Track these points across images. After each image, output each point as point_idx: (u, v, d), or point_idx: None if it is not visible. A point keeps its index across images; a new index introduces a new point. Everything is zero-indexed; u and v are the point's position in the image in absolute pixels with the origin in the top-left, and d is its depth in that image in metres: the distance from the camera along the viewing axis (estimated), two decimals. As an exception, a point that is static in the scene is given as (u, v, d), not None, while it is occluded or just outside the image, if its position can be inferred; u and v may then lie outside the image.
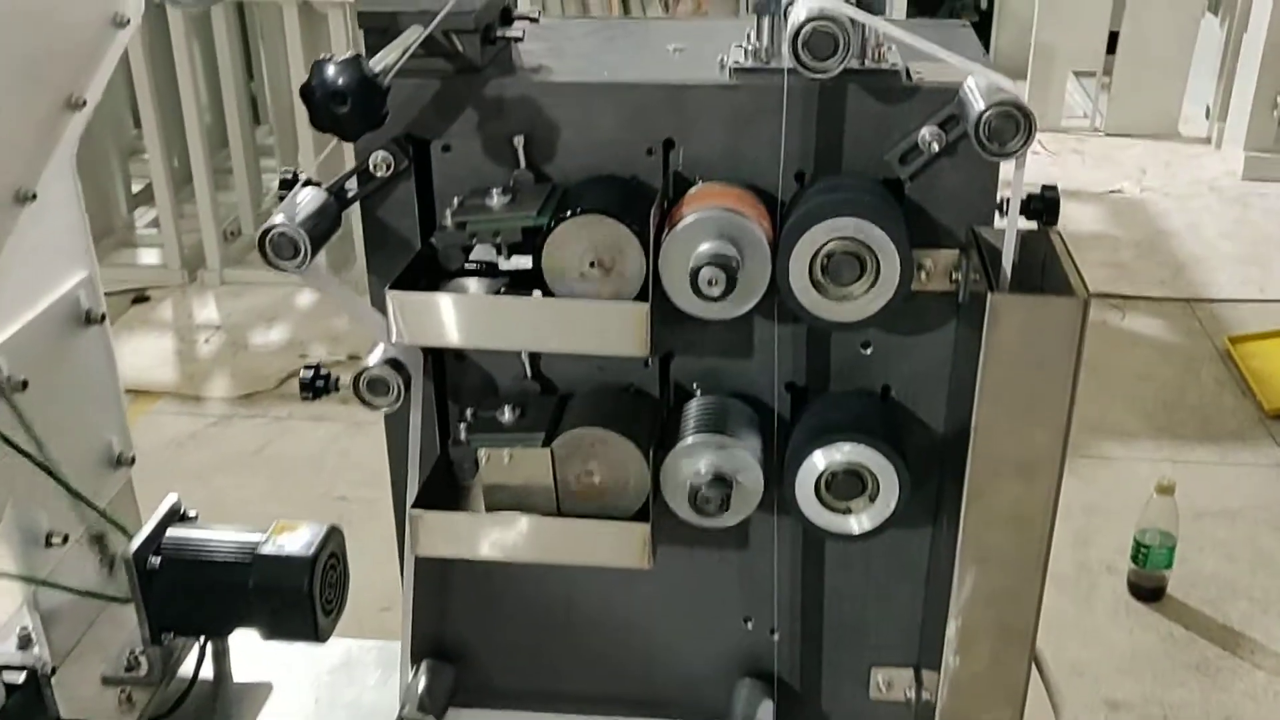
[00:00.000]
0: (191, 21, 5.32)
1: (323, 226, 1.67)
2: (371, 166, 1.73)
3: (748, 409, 1.81)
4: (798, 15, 1.50)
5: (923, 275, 1.72)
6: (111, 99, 5.60)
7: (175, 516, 2.27)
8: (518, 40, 1.80)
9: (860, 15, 1.53)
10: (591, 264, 1.61)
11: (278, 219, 1.61)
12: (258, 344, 5.29)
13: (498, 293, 1.65)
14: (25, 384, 2.16)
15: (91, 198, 5.61)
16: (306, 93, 1.45)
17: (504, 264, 1.67)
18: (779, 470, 1.77)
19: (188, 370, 5.12)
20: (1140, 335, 5.35)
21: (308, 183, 1.72)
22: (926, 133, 1.63)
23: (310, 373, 1.84)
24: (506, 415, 1.77)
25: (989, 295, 1.50)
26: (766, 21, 1.68)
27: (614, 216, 1.59)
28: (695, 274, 1.56)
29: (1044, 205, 1.69)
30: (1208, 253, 6.11)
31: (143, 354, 5.23)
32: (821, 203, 1.59)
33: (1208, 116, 7.47)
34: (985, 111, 1.48)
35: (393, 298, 1.62)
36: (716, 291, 1.56)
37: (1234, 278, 5.85)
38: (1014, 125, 1.48)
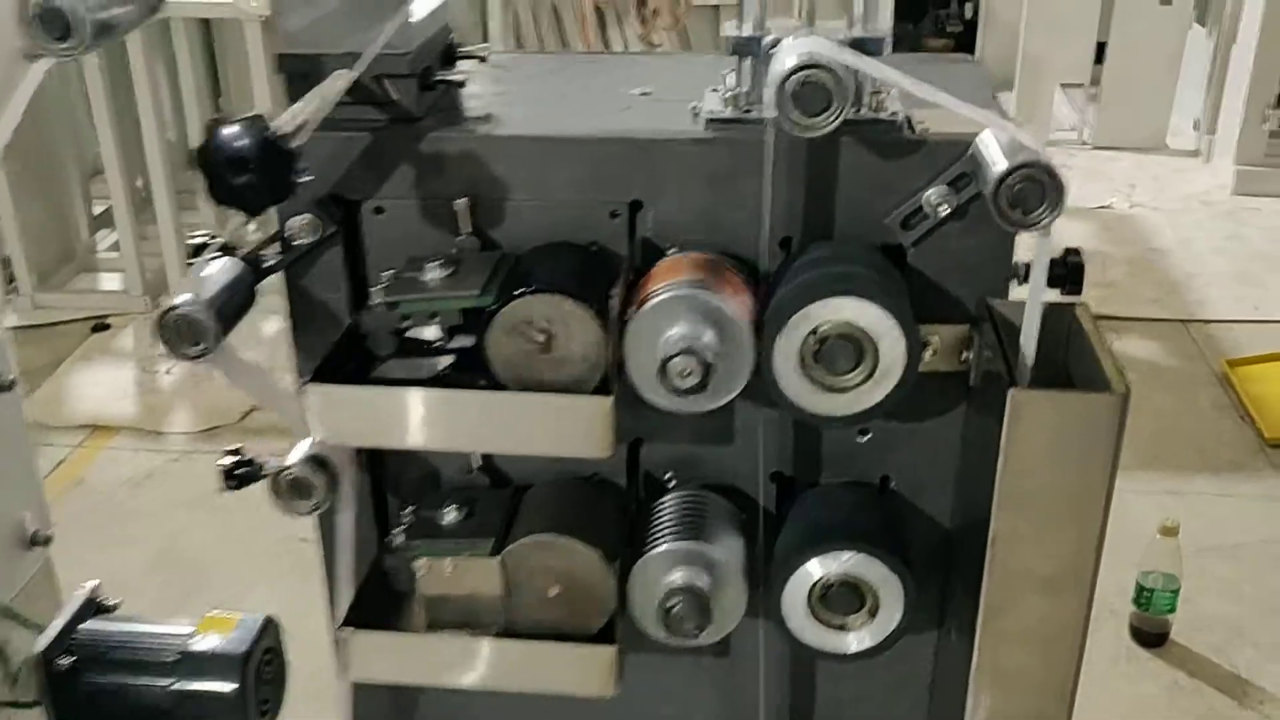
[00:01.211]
0: (152, 38, 5.07)
1: (234, 304, 1.43)
2: (291, 233, 1.49)
3: (728, 505, 1.58)
4: (784, 62, 1.27)
5: (928, 353, 1.49)
6: (72, 115, 5.33)
7: (92, 609, 2.03)
8: (460, 85, 1.56)
9: (857, 60, 1.30)
10: (545, 349, 1.38)
11: (180, 298, 1.37)
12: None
13: (440, 375, 1.42)
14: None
15: (51, 219, 5.41)
16: (202, 158, 1.21)
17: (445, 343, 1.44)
18: (765, 572, 1.54)
19: (148, 403, 4.86)
20: (1134, 359, 5.16)
21: (223, 248, 1.48)
22: (933, 194, 1.41)
23: (231, 460, 1.60)
24: (450, 516, 1.54)
25: (1009, 392, 1.27)
26: (747, 64, 1.46)
27: (570, 295, 1.36)
28: (665, 364, 1.33)
29: (1067, 271, 1.46)
30: (1201, 270, 5.93)
31: (101, 385, 4.98)
32: (811, 279, 1.36)
33: (1196, 129, 7.31)
34: (1007, 175, 1.25)
35: (312, 393, 1.39)
36: (689, 384, 1.33)
37: (1228, 296, 5.67)
38: (1040, 191, 1.25)
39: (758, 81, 1.44)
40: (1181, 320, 5.46)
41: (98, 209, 5.88)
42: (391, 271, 1.45)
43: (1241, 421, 4.62)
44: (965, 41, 7.98)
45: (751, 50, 1.42)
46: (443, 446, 1.42)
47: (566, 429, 1.37)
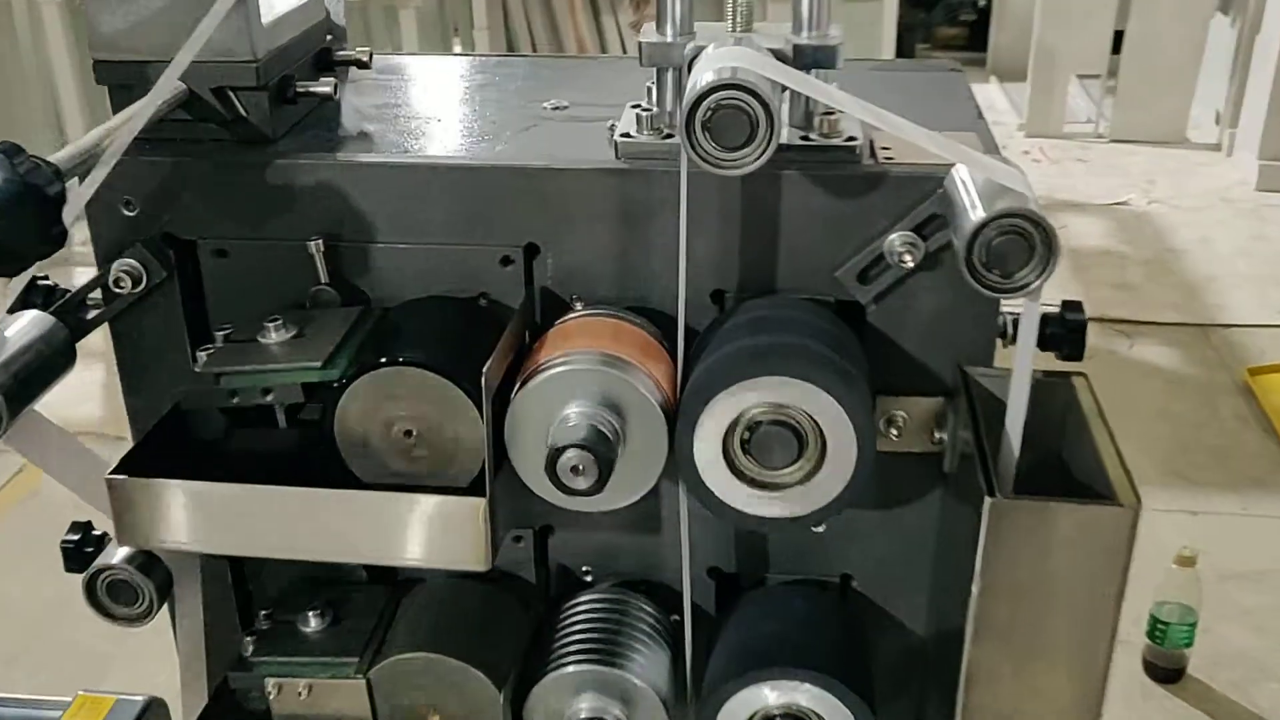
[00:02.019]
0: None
1: (35, 370, 1.16)
2: (112, 282, 1.22)
3: (653, 611, 1.30)
4: (697, 79, 0.99)
5: (893, 432, 1.21)
6: (39, 110, 5.05)
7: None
8: (327, 98, 1.28)
9: (789, 77, 1.02)
10: (407, 435, 1.10)
11: (-39, 366, 1.10)
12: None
13: (276, 467, 1.14)
14: None
15: None
16: (-64, 203, 0.93)
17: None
18: (695, 693, 1.27)
19: (114, 405, 4.60)
20: (1151, 366, 4.87)
21: (31, 299, 1.21)
22: (897, 240, 1.13)
23: (77, 536, 1.33)
24: (312, 624, 1.26)
25: (986, 500, 0.99)
26: (669, 77, 1.17)
27: (436, 368, 1.08)
28: (554, 457, 1.05)
29: (1065, 333, 1.18)
30: (1222, 272, 5.63)
31: (67, 386, 4.72)
32: (740, 349, 1.08)
33: (1218, 122, 6.99)
34: (983, 227, 0.97)
35: (116, 487, 1.11)
36: (583, 484, 1.05)
37: (1251, 300, 5.37)
38: (1025, 249, 0.97)
39: (679, 98, 1.16)
40: (1201, 325, 5.17)
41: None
42: (225, 332, 1.17)
43: (1265, 434, 4.32)
44: (978, 30, 7.67)
45: (670, 61, 1.14)
46: (277, 554, 1.15)
47: (431, 537, 1.09)
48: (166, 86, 1.09)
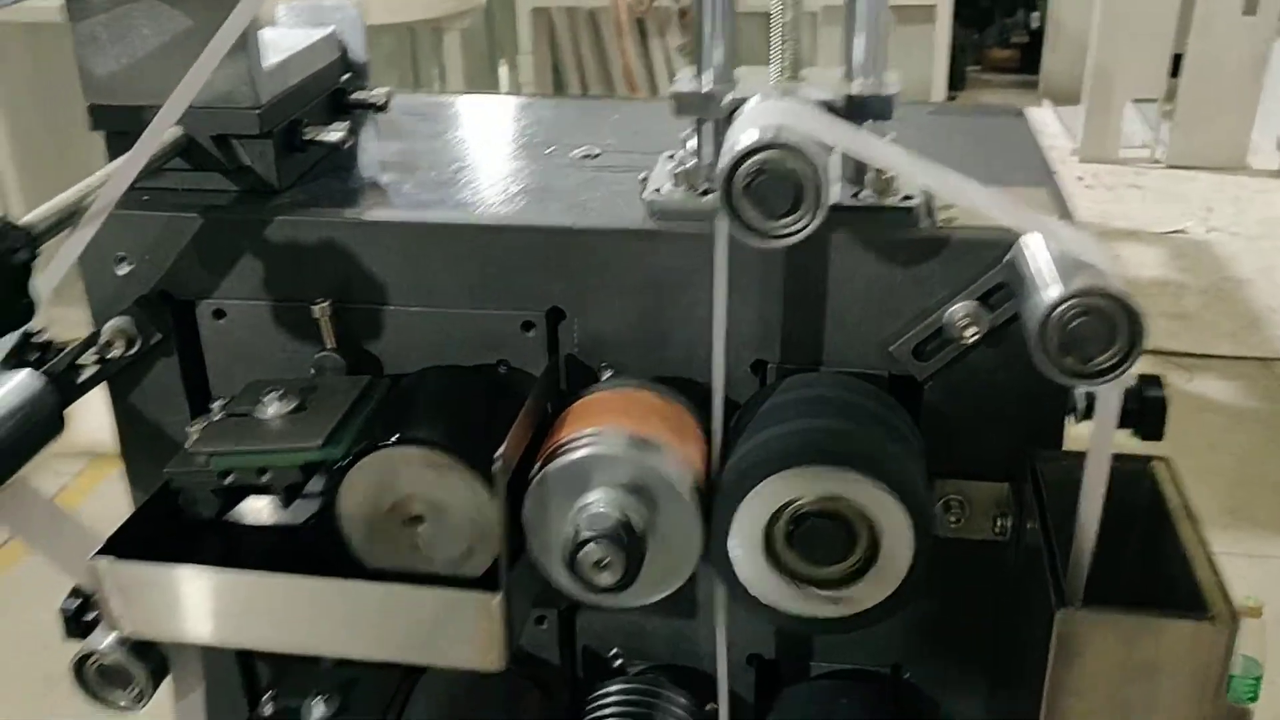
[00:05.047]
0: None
1: (18, 436, 1.07)
2: (105, 343, 1.13)
3: (686, 703, 1.20)
4: (737, 139, 0.88)
5: (952, 518, 1.10)
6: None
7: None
8: (338, 146, 1.19)
9: (842, 136, 0.91)
10: (415, 521, 1.01)
11: (-62, 436, 1.02)
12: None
13: (273, 552, 1.04)
14: None
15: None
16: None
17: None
18: (732, 794, 1.16)
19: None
20: (1210, 400, 4.71)
21: (24, 359, 1.12)
22: (959, 311, 1.02)
23: (76, 603, 1.24)
24: (316, 712, 1.17)
25: (1056, 614, 0.88)
26: (708, 130, 1.07)
27: (445, 448, 0.98)
28: (575, 551, 0.95)
29: (1142, 410, 1.06)
30: (1284, 303, 5.46)
31: (103, 411, 4.70)
32: (783, 433, 0.97)
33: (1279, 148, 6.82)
34: (1059, 306, 0.85)
35: (101, 570, 1.02)
36: (608, 580, 0.95)
37: (1315, 332, 5.20)
38: (1106, 331, 0.86)
39: (719, 152, 1.06)
40: (1263, 359, 5.01)
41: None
42: (221, 401, 1.08)
43: (1333, 473, 4.17)
44: (1030, 52, 7.52)
45: (707, 112, 1.04)
46: (271, 648, 1.05)
47: (440, 634, 0.99)
48: (159, 135, 1.00)
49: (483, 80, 5.67)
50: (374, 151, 1.28)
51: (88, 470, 4.31)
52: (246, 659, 1.30)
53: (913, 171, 0.89)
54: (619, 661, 1.26)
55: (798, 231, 0.88)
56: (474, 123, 1.41)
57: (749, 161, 0.86)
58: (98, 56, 1.10)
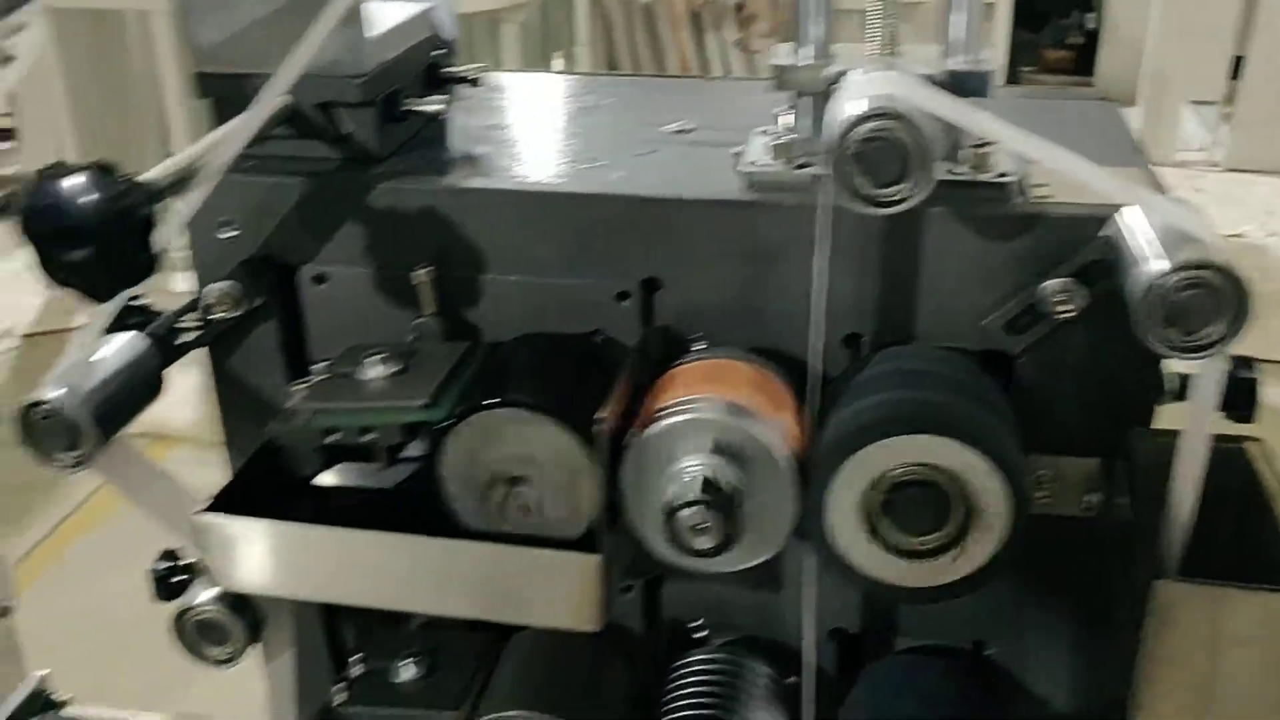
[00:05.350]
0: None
1: (128, 395, 1.11)
2: (207, 305, 1.16)
3: (770, 674, 1.21)
4: (845, 109, 0.90)
5: (1040, 494, 1.11)
6: (148, 112, 5.08)
7: (39, 703, 1.74)
8: (434, 117, 1.21)
9: (950, 108, 0.92)
10: (515, 482, 1.03)
11: (49, 391, 1.05)
12: (293, 382, 4.79)
13: (374, 510, 1.07)
14: None
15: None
16: (27, 225, 0.88)
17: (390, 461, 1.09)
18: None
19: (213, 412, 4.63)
20: (1273, 408, 4.64)
21: (124, 322, 1.15)
22: (1055, 287, 1.02)
23: (165, 565, 1.28)
24: (407, 673, 1.19)
25: (1154, 584, 0.89)
26: (805, 103, 1.08)
27: (547, 411, 1.00)
28: (671, 514, 0.97)
29: (1235, 391, 1.06)
30: (1346, 310, 5.37)
31: (166, 391, 4.78)
32: (879, 403, 0.98)
33: (1342, 151, 6.72)
34: (1164, 279, 0.86)
35: (206, 526, 1.05)
36: (706, 543, 0.97)
37: (1378, 340, 5.11)
38: (1211, 303, 0.86)
39: (818, 126, 1.07)
40: (1325, 366, 4.92)
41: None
42: (324, 363, 1.10)
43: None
44: (1086, 54, 7.45)
45: (808, 85, 1.05)
46: (371, 604, 1.07)
47: (538, 594, 1.01)
48: (270, 102, 1.02)
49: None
50: (464, 124, 1.30)
51: (149, 449, 4.38)
52: (332, 623, 1.32)
53: (1019, 144, 0.90)
54: (701, 633, 1.27)
55: (905, 199, 0.90)
56: (558, 99, 1.43)
57: (860, 129, 0.87)
58: (203, 25, 1.12)
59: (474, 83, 1.30)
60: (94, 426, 1.06)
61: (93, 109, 4.85)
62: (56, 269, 0.88)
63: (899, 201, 0.90)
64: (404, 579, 1.03)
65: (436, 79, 1.28)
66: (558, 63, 5.82)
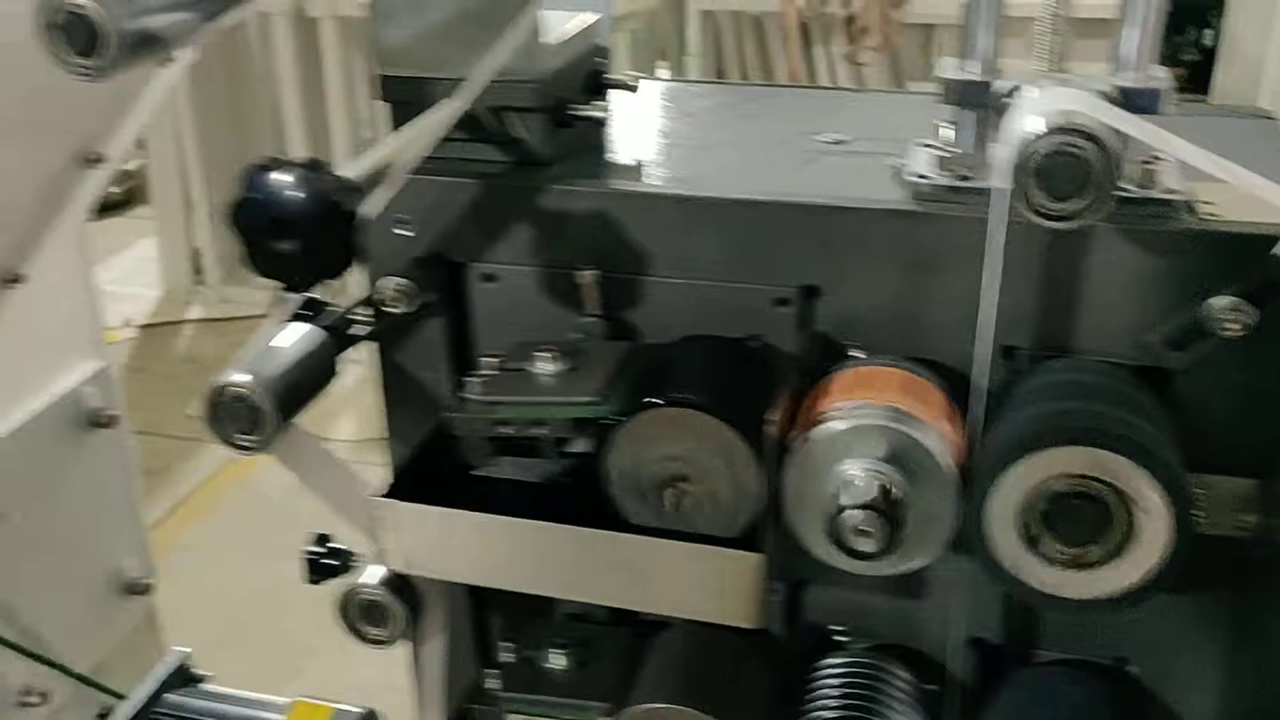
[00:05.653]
0: (348, 34, 4.90)
1: (306, 382, 1.16)
2: (382, 298, 1.21)
3: (910, 680, 1.23)
4: (1026, 124, 0.92)
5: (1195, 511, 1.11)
6: (265, 110, 5.22)
7: (180, 678, 1.81)
8: (601, 123, 1.25)
9: (1128, 123, 0.94)
10: (679, 480, 1.06)
11: (235, 375, 1.10)
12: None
13: (543, 501, 1.10)
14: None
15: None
16: (235, 216, 0.93)
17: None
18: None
19: (318, 406, 4.75)
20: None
21: (301, 314, 1.21)
22: (1221, 305, 1.03)
23: (320, 549, 1.33)
24: (558, 662, 1.23)
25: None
26: (970, 118, 1.10)
27: (716, 413, 1.03)
28: (836, 517, 0.99)
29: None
30: None
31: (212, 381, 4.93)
32: (1042, 414, 1.00)
33: None
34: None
35: (385, 510, 1.09)
36: (870, 546, 0.99)
37: None
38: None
39: (983, 140, 1.09)
40: None
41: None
42: (494, 359, 1.14)
43: None
44: (1201, 71, 7.30)
45: (978, 100, 1.07)
46: (538, 590, 1.11)
47: (699, 589, 1.04)
48: (459, 106, 1.07)
49: (646, 81, 5.73)
50: (623, 130, 1.33)
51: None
52: (480, 613, 1.36)
53: (1203, 162, 0.91)
54: (842, 638, 1.29)
55: (1085, 215, 0.91)
56: (710, 107, 1.46)
57: (1043, 144, 0.89)
58: (393, 31, 1.17)
59: (633, 89, 1.33)
60: (275, 411, 1.11)
61: (212, 106, 5.00)
62: (262, 260, 0.93)
63: (1078, 216, 0.91)
64: (571, 569, 1.07)
65: (597, 85, 1.32)
66: (663, 71, 5.86)
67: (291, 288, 0.97)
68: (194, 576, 3.29)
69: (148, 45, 0.97)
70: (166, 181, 5.16)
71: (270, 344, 1.15)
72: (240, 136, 5.18)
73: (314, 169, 0.92)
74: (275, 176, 0.91)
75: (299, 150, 5.04)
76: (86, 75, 0.94)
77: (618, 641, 1.26)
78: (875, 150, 1.24)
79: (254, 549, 3.51)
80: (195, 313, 5.28)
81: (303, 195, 0.90)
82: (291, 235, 0.90)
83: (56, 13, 0.94)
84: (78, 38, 0.93)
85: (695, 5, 5.45)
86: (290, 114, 5.02)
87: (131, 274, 5.39)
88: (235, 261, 5.43)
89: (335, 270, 0.95)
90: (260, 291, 5.49)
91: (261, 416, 1.11)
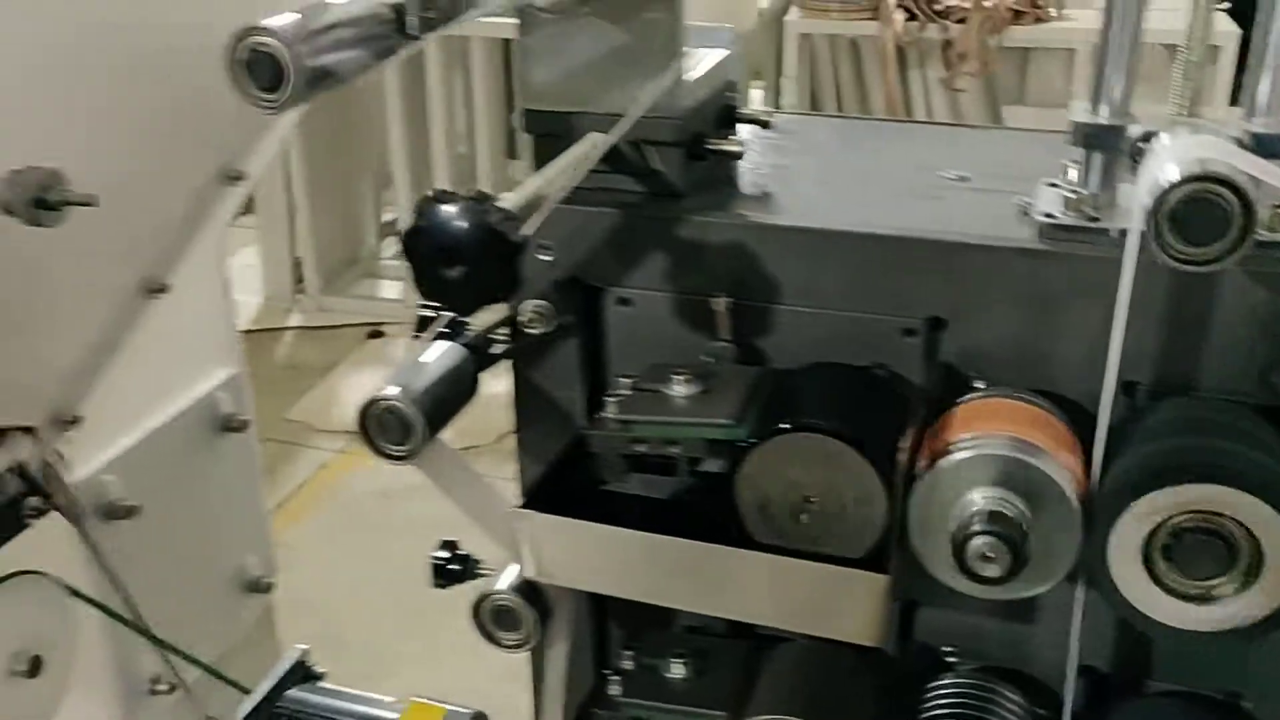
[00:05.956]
0: (450, 54, 5.04)
1: (450, 397, 1.22)
2: (522, 319, 1.27)
3: (1020, 704, 1.26)
4: (1162, 171, 0.95)
5: (1312, 549, 1.13)
6: (371, 125, 5.36)
7: (300, 674, 1.89)
8: (736, 157, 1.30)
9: (1262, 169, 0.97)
10: (807, 502, 1.10)
11: (388, 389, 1.17)
12: (487, 392, 4.93)
13: (675, 518, 1.15)
14: (132, 510, 1.84)
15: (342, 225, 5.47)
16: (409, 244, 0.99)
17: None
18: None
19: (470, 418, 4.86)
20: None
21: (444, 333, 1.27)
22: (1347, 347, 1.05)
23: (446, 555, 1.40)
24: (678, 671, 1.28)
25: None
26: (1098, 160, 1.13)
27: (847, 437, 1.07)
28: (963, 543, 1.03)
29: None
30: None
31: (366, 394, 5.02)
32: (1166, 449, 1.03)
33: None
34: None
35: (524, 521, 1.15)
36: (994, 571, 1.03)
37: None
38: None
39: (1111, 182, 1.13)
40: None
41: (388, 217, 5.93)
42: (630, 380, 1.20)
43: None
44: None
45: (1110, 144, 1.10)
46: (668, 603, 1.16)
47: (825, 607, 1.09)
48: (609, 140, 1.13)
49: (739, 103, 5.78)
50: (753, 164, 1.38)
51: (350, 448, 4.59)
52: (601, 621, 1.42)
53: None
54: (953, 659, 1.32)
55: (1224, 258, 0.94)
56: (836, 141, 1.51)
57: (1180, 190, 0.93)
58: (538, 67, 1.23)
59: (765, 125, 1.39)
60: (424, 424, 1.17)
61: (316, 119, 5.14)
62: (429, 285, 0.99)
63: (1214, 261, 0.95)
64: (701, 583, 1.12)
65: (730, 119, 1.37)
66: (756, 94, 5.90)
67: (457, 312, 1.03)
68: (289, 579, 3.39)
69: (324, 81, 1.04)
70: (271, 192, 5.31)
71: (418, 360, 1.22)
72: (343, 150, 5.31)
73: (480, 201, 0.98)
74: (445, 208, 0.97)
75: (400, 166, 5.17)
76: (268, 109, 1.01)
77: (735, 653, 1.31)
78: (998, 188, 1.27)
79: (340, 555, 3.61)
80: (295, 320, 5.41)
81: (467, 225, 0.96)
82: (459, 263, 0.97)
83: (245, 50, 1.01)
84: (262, 74, 1.00)
85: (793, 28, 5.49)
86: (394, 129, 5.14)
87: (235, 281, 5.54)
88: (334, 271, 5.54)
89: (496, 296, 1.01)
90: (355, 301, 5.63)
91: (412, 429, 1.17)
